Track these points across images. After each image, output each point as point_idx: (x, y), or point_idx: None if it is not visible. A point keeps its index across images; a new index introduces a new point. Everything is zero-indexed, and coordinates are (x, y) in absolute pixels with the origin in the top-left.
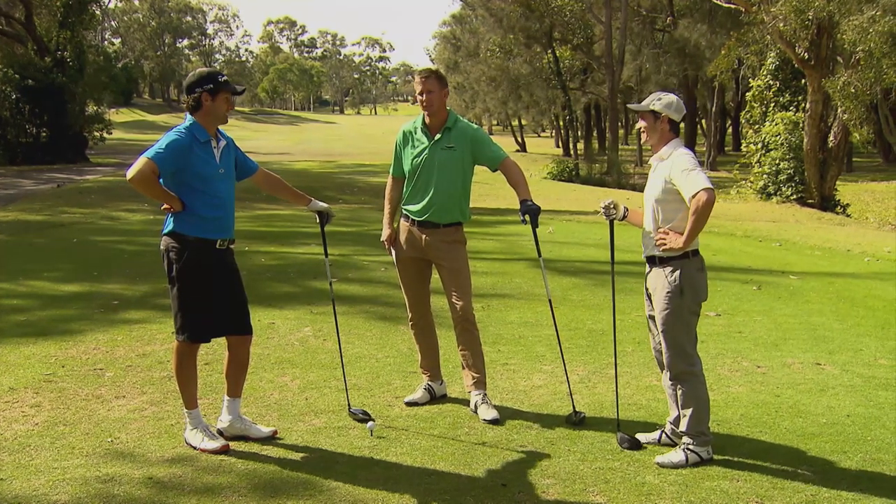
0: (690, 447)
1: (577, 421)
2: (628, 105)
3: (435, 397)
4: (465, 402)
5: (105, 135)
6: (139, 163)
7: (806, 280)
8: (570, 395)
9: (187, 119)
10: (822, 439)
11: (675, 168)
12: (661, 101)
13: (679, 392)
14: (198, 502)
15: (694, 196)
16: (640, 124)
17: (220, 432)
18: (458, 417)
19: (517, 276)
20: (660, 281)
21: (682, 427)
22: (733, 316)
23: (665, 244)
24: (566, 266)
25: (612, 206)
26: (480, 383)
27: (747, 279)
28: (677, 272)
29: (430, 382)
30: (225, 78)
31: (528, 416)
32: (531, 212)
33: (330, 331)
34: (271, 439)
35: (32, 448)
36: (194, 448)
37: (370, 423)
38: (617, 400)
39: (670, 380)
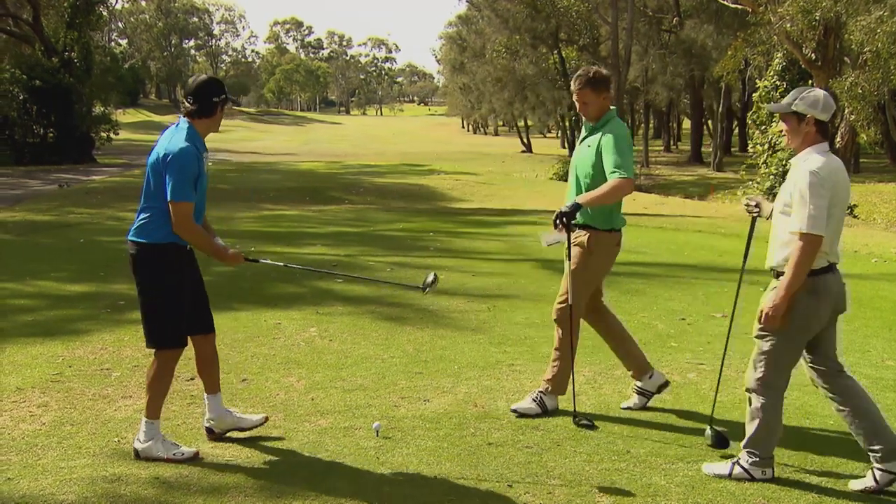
0: (740, 462)
1: (588, 424)
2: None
3: (648, 395)
4: (470, 404)
5: (112, 135)
6: (179, 212)
7: None
8: (574, 397)
9: (183, 123)
10: (830, 441)
11: (798, 186)
12: (804, 99)
13: (751, 405)
14: (204, 502)
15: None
16: (782, 126)
17: (211, 430)
18: (464, 418)
19: (523, 277)
20: (769, 294)
21: (743, 441)
22: (741, 317)
23: (769, 314)
24: None
25: (755, 204)
26: (546, 380)
27: (755, 280)
28: None
29: (638, 383)
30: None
31: (533, 417)
32: (561, 212)
33: (336, 331)
34: (277, 439)
35: (39, 448)
36: (163, 459)
37: (376, 424)
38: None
39: (745, 390)
